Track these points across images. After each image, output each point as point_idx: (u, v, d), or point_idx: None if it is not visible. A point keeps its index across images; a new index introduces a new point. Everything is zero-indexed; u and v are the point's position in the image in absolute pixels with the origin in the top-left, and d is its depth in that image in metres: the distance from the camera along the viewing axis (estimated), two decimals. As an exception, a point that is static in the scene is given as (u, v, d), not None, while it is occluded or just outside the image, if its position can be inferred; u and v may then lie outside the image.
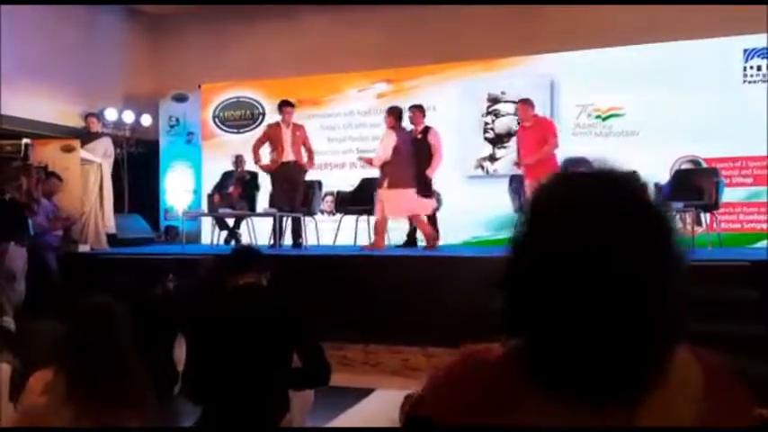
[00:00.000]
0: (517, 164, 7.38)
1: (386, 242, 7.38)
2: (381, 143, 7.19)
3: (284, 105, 7.95)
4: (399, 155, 7.01)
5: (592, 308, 0.74)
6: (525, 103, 7.40)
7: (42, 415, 1.77)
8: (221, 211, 8.20)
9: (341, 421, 2.25)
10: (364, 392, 4.57)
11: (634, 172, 0.84)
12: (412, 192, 7.05)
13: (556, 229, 0.78)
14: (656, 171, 6.88)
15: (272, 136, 7.86)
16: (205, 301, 2.94)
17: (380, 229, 7.15)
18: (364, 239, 8.13)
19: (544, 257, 0.77)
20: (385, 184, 7.01)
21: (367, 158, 7.54)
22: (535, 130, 7.24)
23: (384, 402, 2.43)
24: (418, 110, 7.74)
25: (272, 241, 7.89)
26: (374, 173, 9.06)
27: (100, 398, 1.85)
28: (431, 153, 7.48)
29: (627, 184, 0.83)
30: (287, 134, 7.83)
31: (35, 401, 1.82)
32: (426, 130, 7.61)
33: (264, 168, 7.87)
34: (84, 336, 1.97)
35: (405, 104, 9.23)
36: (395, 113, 7.25)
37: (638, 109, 8.42)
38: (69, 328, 2.02)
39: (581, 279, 0.75)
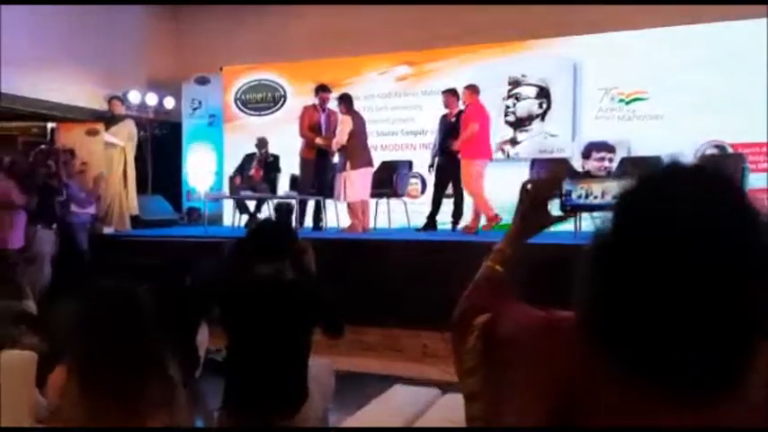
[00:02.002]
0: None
1: (368, 224, 7.62)
2: (339, 128, 7.60)
3: (321, 90, 8.09)
4: (356, 138, 7.44)
5: (690, 300, 0.75)
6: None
7: (65, 419, 1.66)
8: (242, 193, 8.21)
9: (359, 419, 2.23)
10: (384, 380, 4.58)
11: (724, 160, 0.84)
12: (372, 170, 7.61)
13: (654, 221, 0.78)
14: (680, 156, 6.75)
15: (310, 119, 8.00)
16: (227, 292, 2.91)
17: (356, 210, 7.47)
18: (384, 222, 8.13)
19: (643, 249, 0.77)
20: (347, 166, 7.41)
21: (325, 142, 7.77)
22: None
23: (403, 399, 2.41)
24: (451, 94, 7.77)
25: (293, 224, 7.87)
26: (395, 156, 9.15)
27: (121, 395, 1.74)
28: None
29: (722, 176, 0.83)
30: (322, 118, 7.99)
31: (56, 403, 1.71)
32: (459, 114, 7.62)
33: (312, 148, 7.95)
34: (100, 325, 1.76)
35: (425, 88, 9.37)
36: (345, 100, 7.64)
37: (662, 93, 8.27)
38: (83, 316, 1.80)
39: (680, 271, 0.76)
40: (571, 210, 1.20)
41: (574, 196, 1.20)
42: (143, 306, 2.01)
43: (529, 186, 1.20)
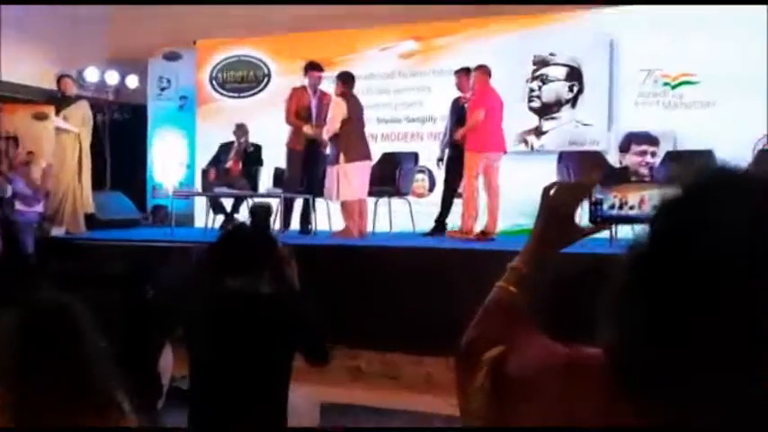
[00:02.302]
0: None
1: (366, 228, 7.62)
2: (330, 113, 7.56)
3: (310, 68, 8.07)
4: (351, 125, 7.41)
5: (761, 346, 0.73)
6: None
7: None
8: (217, 190, 8.20)
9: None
10: (379, 413, 4.53)
11: None
12: (370, 164, 7.60)
13: (705, 245, 0.77)
14: (734, 150, 6.71)
15: (299, 103, 8.01)
16: (193, 310, 2.87)
17: (351, 211, 7.42)
18: (384, 225, 8.12)
19: (692, 277, 0.76)
20: (341, 158, 7.36)
21: (315, 131, 7.80)
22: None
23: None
24: (465, 74, 7.75)
25: (276, 227, 7.83)
26: (398, 147, 9.13)
27: (54, 428, 1.72)
28: None
29: None
30: (314, 102, 7.99)
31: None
32: None
33: (301, 138, 7.96)
34: (30, 345, 1.80)
35: (435, 66, 9.35)
36: (345, 80, 7.59)
37: (715, 76, 8.23)
38: (13, 333, 1.83)
39: (745, 309, 0.74)
40: (602, 222, 1.19)
41: (606, 206, 1.18)
42: (82, 323, 1.96)
43: (552, 192, 1.18)
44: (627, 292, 0.81)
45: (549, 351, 0.98)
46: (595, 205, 1.24)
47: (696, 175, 0.83)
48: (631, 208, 1.13)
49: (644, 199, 1.07)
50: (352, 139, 7.46)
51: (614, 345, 0.82)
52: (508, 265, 1.17)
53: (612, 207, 1.12)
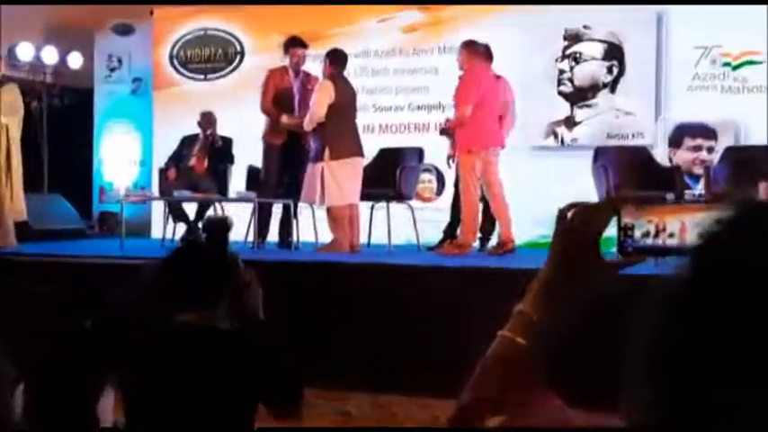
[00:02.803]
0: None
1: (358, 240, 7.66)
2: (314, 97, 7.56)
3: (292, 45, 8.07)
4: (339, 114, 7.43)
5: None
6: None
7: None
8: (176, 193, 8.18)
9: None
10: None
11: None
12: (362, 162, 7.65)
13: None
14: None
15: (277, 88, 8.02)
16: (131, 347, 2.82)
17: (340, 219, 7.43)
18: (382, 235, 8.09)
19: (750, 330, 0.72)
20: (326, 154, 7.36)
21: (295, 121, 7.77)
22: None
23: None
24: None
25: (250, 239, 7.85)
26: (399, 140, 9.11)
27: None
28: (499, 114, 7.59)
29: None
30: (296, 86, 8.01)
31: None
32: (496, 79, 7.67)
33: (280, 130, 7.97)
34: None
35: (444, 42, 9.36)
36: (334, 59, 7.62)
37: (786, 54, 8.25)
38: None
39: None
40: (635, 253, 1.14)
41: (638, 233, 1.14)
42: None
43: (569, 216, 1.15)
44: (666, 352, 0.77)
45: (563, 419, 0.97)
46: (625, 232, 1.18)
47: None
48: (671, 236, 1.09)
49: (685, 226, 1.04)
50: (340, 130, 7.45)
51: (645, 416, 0.78)
52: (514, 308, 1.14)
53: (647, 235, 1.08)
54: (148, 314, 2.85)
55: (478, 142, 7.23)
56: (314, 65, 8.20)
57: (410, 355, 5.61)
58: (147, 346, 2.78)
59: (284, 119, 7.90)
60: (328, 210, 7.56)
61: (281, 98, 8.01)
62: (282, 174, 8.05)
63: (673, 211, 1.20)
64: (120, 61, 10.95)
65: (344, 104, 7.56)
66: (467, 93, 7.29)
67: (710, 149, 8.36)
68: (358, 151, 7.62)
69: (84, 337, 4.15)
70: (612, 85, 8.97)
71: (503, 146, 7.50)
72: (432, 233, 8.01)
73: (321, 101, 7.44)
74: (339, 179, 7.42)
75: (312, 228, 8.17)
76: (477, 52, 7.44)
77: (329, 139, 7.41)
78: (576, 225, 1.15)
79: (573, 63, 9.08)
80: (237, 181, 8.71)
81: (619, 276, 1.16)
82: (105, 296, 5.37)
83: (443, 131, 7.83)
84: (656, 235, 1.18)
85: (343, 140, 7.47)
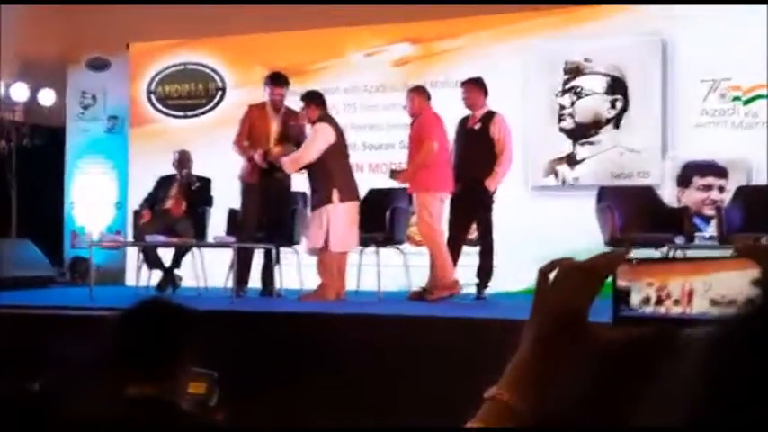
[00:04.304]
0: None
1: (344, 288, 7.69)
2: (311, 140, 7.66)
3: (272, 83, 8.06)
4: (342, 155, 7.65)
5: None
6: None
7: None
8: (150, 238, 8.07)
9: None
10: None
11: None
12: (357, 205, 7.73)
13: None
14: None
15: (255, 124, 8.04)
16: (77, 421, 2.56)
17: (330, 265, 7.47)
18: (371, 282, 7.98)
19: None
20: (334, 197, 7.42)
21: (271, 154, 7.79)
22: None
23: None
24: (476, 86, 7.76)
25: (230, 285, 7.77)
26: (390, 181, 8.96)
27: None
28: (494, 153, 7.62)
29: None
30: (275, 124, 7.96)
31: None
32: (488, 117, 7.69)
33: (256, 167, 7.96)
34: None
35: (436, 77, 9.48)
36: (320, 100, 7.73)
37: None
38: None
39: None
40: (631, 322, 0.96)
41: (635, 300, 0.95)
42: None
43: (552, 277, 1.05)
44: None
45: None
46: (619, 297, 1.08)
47: None
48: (676, 302, 0.88)
49: (692, 289, 0.84)
50: (345, 172, 7.59)
51: None
52: (486, 392, 1.04)
53: (647, 301, 0.88)
54: (101, 382, 2.67)
55: (439, 184, 7.45)
56: (297, 100, 8.14)
57: (404, 416, 5.37)
58: (96, 421, 2.50)
59: (256, 156, 7.87)
60: (320, 254, 7.52)
61: (257, 134, 8.00)
62: (261, 214, 7.96)
63: (677, 270, 1.08)
64: (94, 98, 11.00)
65: (343, 145, 7.69)
66: (431, 130, 7.47)
67: (721, 189, 8.38)
68: (357, 194, 7.74)
69: (28, 401, 3.89)
70: (616, 121, 9.03)
71: (450, 190, 7.58)
72: (425, 280, 7.78)
73: (319, 145, 7.52)
74: (346, 223, 7.50)
75: (297, 270, 8.09)
76: (423, 95, 7.73)
77: (336, 182, 7.49)
78: (561, 290, 1.04)
79: (574, 98, 9.16)
80: (218, 223, 8.64)
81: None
82: (63, 354, 5.14)
83: (472, 175, 7.71)
84: (659, 302, 1.08)
85: (348, 182, 7.61)
